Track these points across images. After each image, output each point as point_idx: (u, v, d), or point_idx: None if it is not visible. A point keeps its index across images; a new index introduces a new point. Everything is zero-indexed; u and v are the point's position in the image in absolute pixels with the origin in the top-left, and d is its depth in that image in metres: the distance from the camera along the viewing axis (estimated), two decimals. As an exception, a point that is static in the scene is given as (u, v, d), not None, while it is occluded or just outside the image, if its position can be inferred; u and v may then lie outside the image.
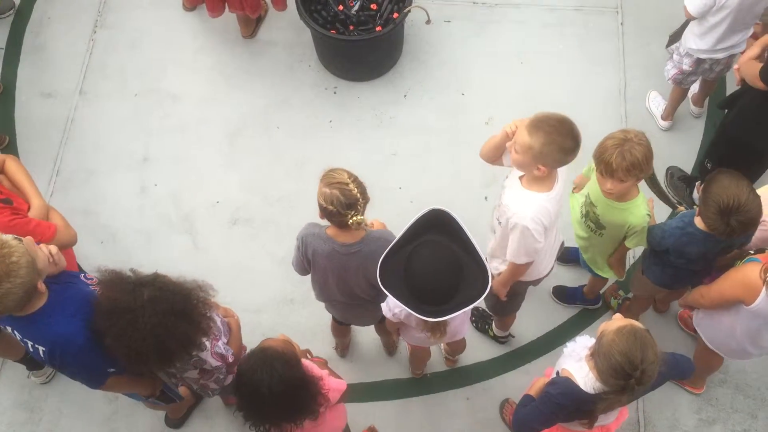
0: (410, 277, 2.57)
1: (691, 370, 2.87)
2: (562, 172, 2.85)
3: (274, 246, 4.10)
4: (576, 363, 2.60)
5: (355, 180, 2.77)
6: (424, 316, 2.57)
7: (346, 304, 3.18)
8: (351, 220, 2.74)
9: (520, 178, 2.86)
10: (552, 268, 3.29)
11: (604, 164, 2.80)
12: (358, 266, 2.93)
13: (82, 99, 4.60)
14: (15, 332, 2.63)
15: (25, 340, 2.61)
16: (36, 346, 2.57)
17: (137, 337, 2.41)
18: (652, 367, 2.32)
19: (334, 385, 2.74)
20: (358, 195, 2.73)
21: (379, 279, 2.59)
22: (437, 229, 2.60)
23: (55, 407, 3.78)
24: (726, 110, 3.78)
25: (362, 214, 2.78)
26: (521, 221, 2.79)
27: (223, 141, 4.46)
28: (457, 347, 3.66)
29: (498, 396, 3.75)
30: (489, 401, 3.75)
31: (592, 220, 3.21)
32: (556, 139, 2.62)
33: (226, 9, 4.49)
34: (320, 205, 2.77)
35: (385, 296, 3.09)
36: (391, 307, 2.86)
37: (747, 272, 2.82)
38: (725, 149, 3.71)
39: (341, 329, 3.66)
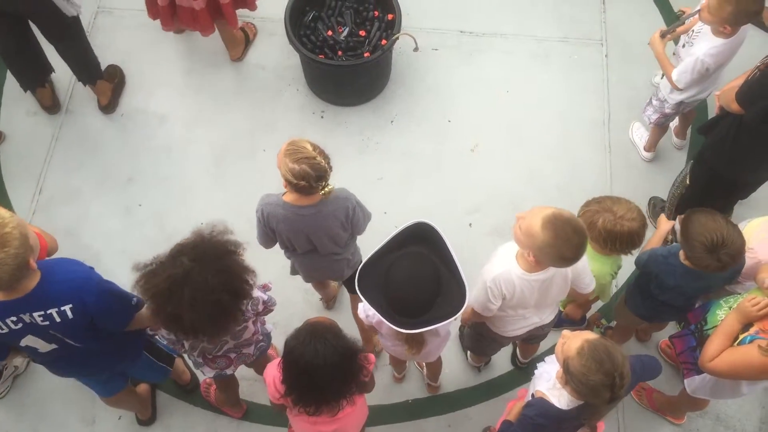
0: (388, 286, 2.51)
1: (660, 369, 2.84)
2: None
3: (259, 268, 4.07)
4: (547, 383, 2.60)
5: (320, 150, 2.79)
6: (398, 326, 2.52)
7: (312, 256, 3.15)
8: (323, 192, 2.80)
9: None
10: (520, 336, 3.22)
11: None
12: (318, 226, 2.94)
13: (68, 117, 4.59)
14: (20, 322, 2.48)
15: (35, 320, 2.48)
16: (58, 310, 2.46)
17: (202, 298, 2.40)
18: (625, 367, 2.32)
19: (370, 357, 2.72)
20: (326, 166, 2.77)
21: (357, 284, 2.53)
22: (421, 242, 2.55)
23: (31, 428, 3.72)
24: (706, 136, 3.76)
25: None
26: (485, 276, 2.77)
27: (209, 162, 4.45)
28: (435, 369, 3.66)
29: (480, 423, 3.73)
30: (471, 428, 3.74)
31: None
32: (561, 246, 2.48)
33: (216, 30, 4.49)
34: (289, 181, 2.77)
35: (350, 250, 3.18)
36: (365, 309, 2.79)
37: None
38: (701, 174, 3.70)
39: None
